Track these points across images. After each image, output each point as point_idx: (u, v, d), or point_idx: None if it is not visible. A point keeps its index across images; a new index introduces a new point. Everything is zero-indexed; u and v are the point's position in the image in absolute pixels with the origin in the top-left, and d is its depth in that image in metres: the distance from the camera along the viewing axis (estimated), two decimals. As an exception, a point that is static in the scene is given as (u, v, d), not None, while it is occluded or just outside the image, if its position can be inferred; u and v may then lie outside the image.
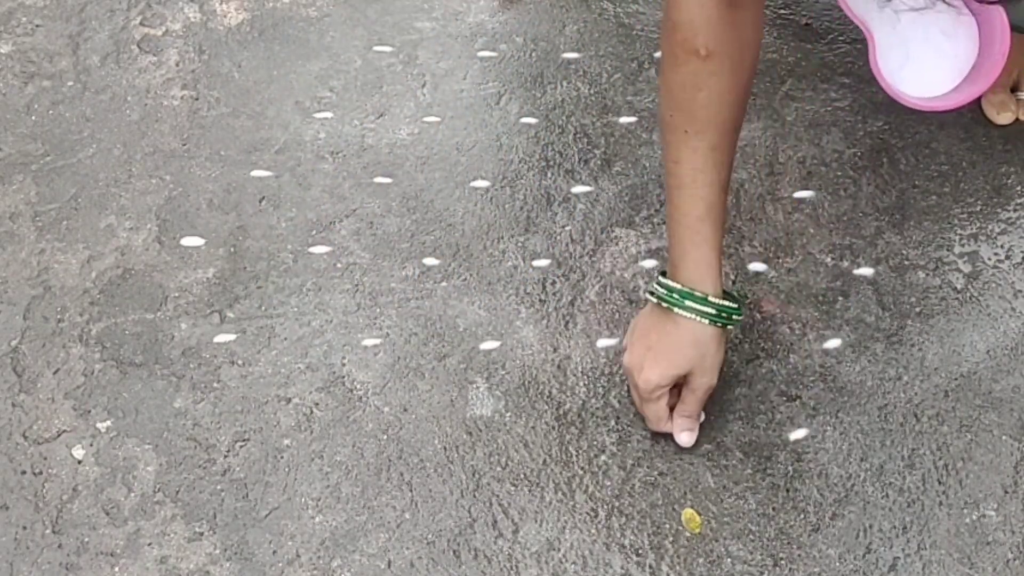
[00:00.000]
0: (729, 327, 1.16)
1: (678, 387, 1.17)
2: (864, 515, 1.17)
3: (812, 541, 1.15)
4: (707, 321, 1.13)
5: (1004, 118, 1.41)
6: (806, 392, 1.24)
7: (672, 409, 1.18)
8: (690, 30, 1.06)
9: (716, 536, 1.15)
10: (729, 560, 1.14)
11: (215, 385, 1.24)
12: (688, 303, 1.12)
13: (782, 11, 1.50)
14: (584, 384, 1.24)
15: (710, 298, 1.13)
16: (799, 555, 1.14)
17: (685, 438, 1.18)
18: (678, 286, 1.13)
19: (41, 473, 1.18)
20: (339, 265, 1.32)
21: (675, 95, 1.10)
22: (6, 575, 1.13)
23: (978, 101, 1.43)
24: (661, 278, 1.15)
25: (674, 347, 1.14)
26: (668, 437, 1.20)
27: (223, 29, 1.51)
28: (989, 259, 1.33)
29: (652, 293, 1.16)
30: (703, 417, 1.19)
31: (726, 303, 1.14)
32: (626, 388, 1.23)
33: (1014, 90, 1.43)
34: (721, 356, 1.16)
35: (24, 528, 1.15)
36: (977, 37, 1.33)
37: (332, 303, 1.29)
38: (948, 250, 1.33)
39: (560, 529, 1.16)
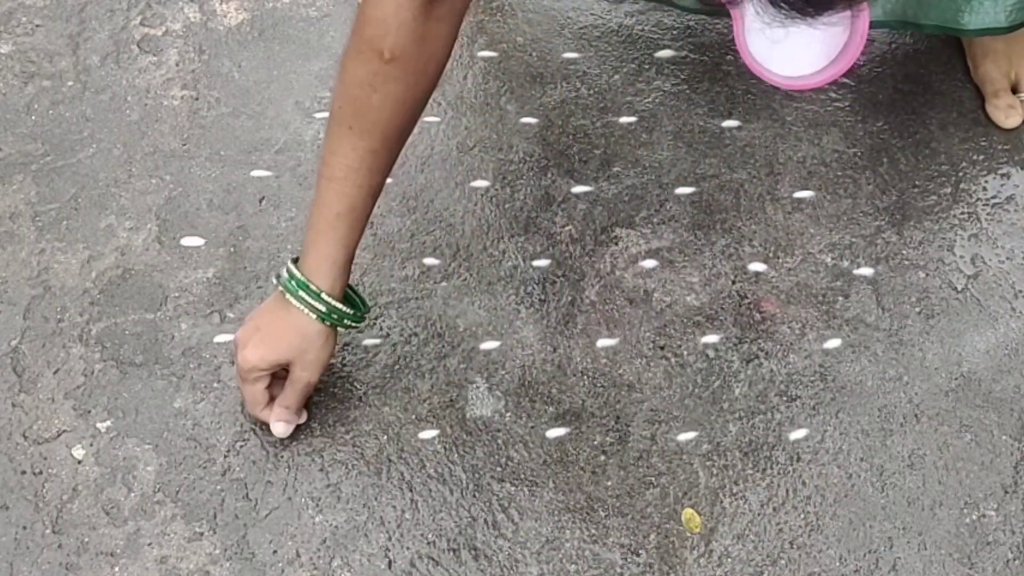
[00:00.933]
0: (340, 329, 1.16)
1: (284, 378, 1.16)
2: (864, 515, 1.17)
3: (812, 541, 1.15)
4: (315, 316, 1.12)
5: (1012, 122, 1.41)
6: (806, 392, 1.24)
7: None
8: (381, 28, 1.04)
9: (716, 536, 1.15)
10: (729, 560, 1.14)
11: (215, 385, 1.24)
12: (301, 294, 1.12)
13: (782, 11, 1.50)
14: (584, 384, 1.24)
15: (323, 295, 1.12)
16: (799, 555, 1.14)
17: (279, 428, 1.17)
18: (298, 275, 1.12)
19: (41, 473, 1.18)
20: (339, 265, 1.32)
21: (349, 90, 1.08)
22: (6, 575, 1.13)
23: (982, 104, 1.43)
24: (290, 263, 1.14)
25: (279, 333, 1.13)
26: (667, 436, 1.20)
27: (223, 29, 1.51)
28: (989, 259, 1.33)
29: (277, 276, 1.14)
30: (304, 417, 1.19)
31: (338, 305, 1.13)
32: (626, 388, 1.24)
33: (1014, 91, 1.43)
34: (326, 355, 1.15)
35: (24, 528, 1.15)
36: (849, 17, 1.34)
37: (332, 303, 1.29)
38: (948, 250, 1.33)
39: (560, 528, 1.16)
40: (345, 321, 1.15)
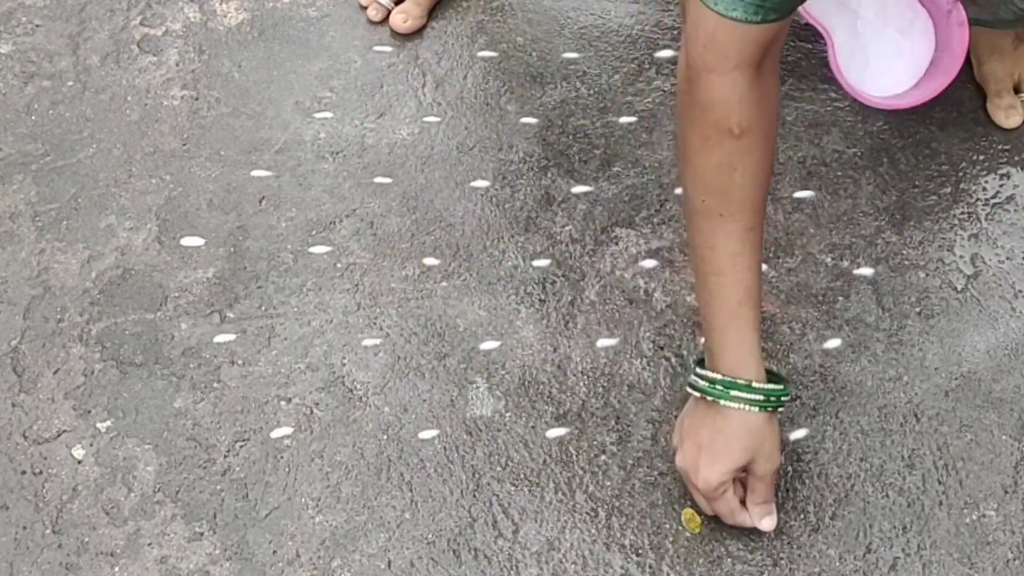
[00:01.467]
0: (780, 409, 1.10)
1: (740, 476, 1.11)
2: (864, 515, 1.17)
3: (812, 541, 1.15)
4: (756, 408, 1.07)
5: (1012, 122, 1.41)
6: (806, 392, 1.24)
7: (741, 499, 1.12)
8: (723, 109, 1.00)
9: (716, 536, 1.15)
10: (729, 560, 1.14)
11: (215, 385, 1.24)
12: (734, 393, 1.07)
13: (782, 11, 1.50)
14: (584, 384, 1.24)
15: (755, 384, 1.07)
16: (799, 555, 1.14)
17: (767, 523, 1.12)
18: (720, 376, 1.08)
19: (41, 473, 1.18)
20: (339, 265, 1.32)
21: (708, 178, 1.04)
22: (6, 575, 1.13)
23: (982, 104, 1.43)
24: (700, 369, 1.10)
25: (728, 441, 1.08)
26: (668, 436, 1.20)
27: (223, 29, 1.51)
28: (989, 259, 1.33)
29: (693, 387, 1.10)
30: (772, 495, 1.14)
31: (772, 387, 1.08)
32: (626, 388, 1.23)
33: (1016, 92, 1.43)
34: (778, 437, 1.10)
35: (24, 528, 1.15)
36: (933, 33, 1.34)
37: (332, 303, 1.29)
38: (948, 250, 1.33)
39: (560, 529, 1.15)
40: (782, 399, 1.09)
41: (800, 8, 1.27)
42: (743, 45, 0.98)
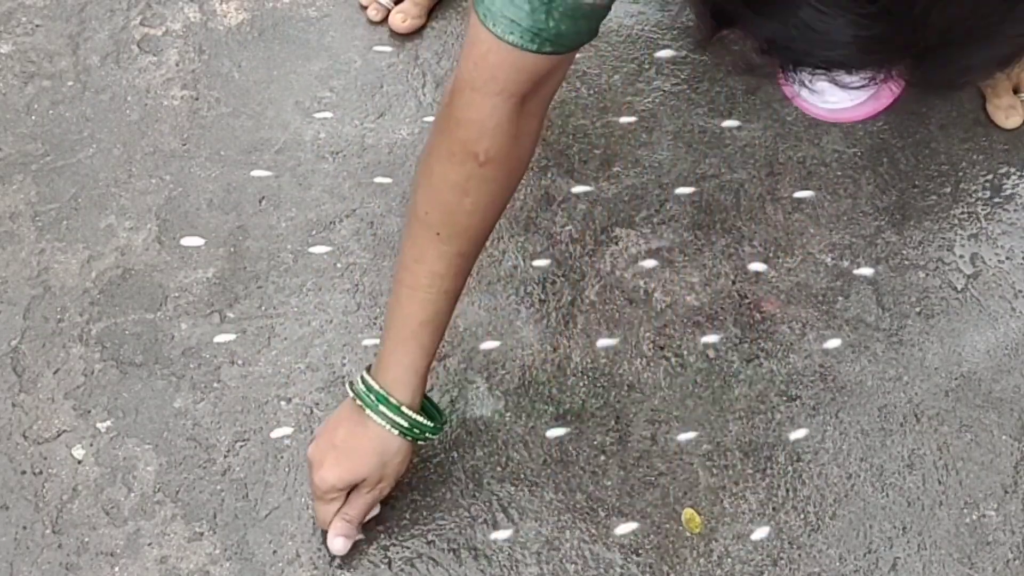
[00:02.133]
0: (420, 442, 1.10)
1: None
2: (864, 515, 1.17)
3: (812, 541, 1.15)
4: (396, 432, 1.07)
5: (1012, 122, 1.41)
6: (806, 392, 1.24)
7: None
8: (475, 131, 0.98)
9: (716, 536, 1.15)
10: (729, 560, 1.14)
11: (215, 385, 1.24)
12: (382, 408, 1.06)
13: (782, 11, 1.50)
14: (584, 384, 1.24)
15: (404, 408, 1.06)
16: (799, 555, 1.14)
17: (338, 544, 1.11)
18: (376, 387, 1.07)
19: (41, 473, 1.18)
20: (339, 265, 1.32)
21: (439, 193, 1.02)
22: (6, 575, 1.13)
23: (982, 104, 1.43)
24: (365, 373, 1.09)
25: (357, 451, 1.07)
26: (667, 436, 1.20)
27: (223, 29, 1.51)
28: (989, 259, 1.33)
29: (351, 386, 1.09)
30: (361, 535, 1.13)
31: (419, 419, 1.08)
32: (626, 388, 1.24)
33: (1016, 92, 1.43)
34: (403, 468, 1.10)
35: (24, 528, 1.15)
36: None
37: (332, 303, 1.29)
38: (948, 250, 1.33)
39: (560, 528, 1.15)
40: (426, 434, 1.09)
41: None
42: (513, 71, 0.95)
